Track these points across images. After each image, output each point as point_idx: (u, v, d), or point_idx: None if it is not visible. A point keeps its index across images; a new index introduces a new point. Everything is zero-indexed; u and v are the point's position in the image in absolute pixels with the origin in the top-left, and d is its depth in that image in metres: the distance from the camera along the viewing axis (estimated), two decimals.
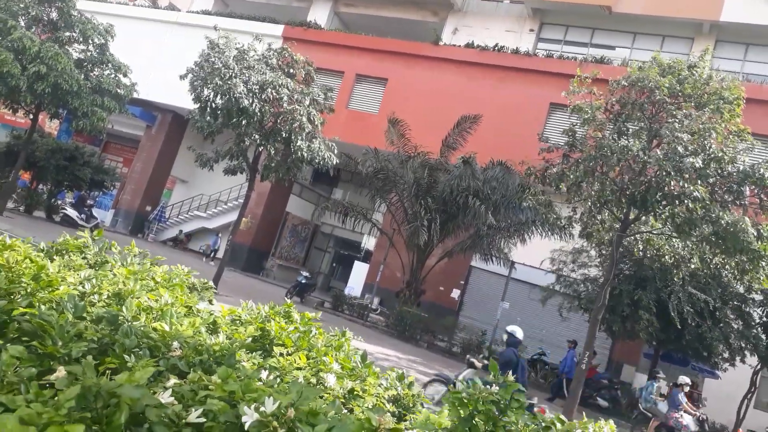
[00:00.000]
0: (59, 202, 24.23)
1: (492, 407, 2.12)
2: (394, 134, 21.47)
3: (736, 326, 16.28)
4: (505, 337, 8.94)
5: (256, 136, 15.39)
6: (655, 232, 14.63)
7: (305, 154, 15.41)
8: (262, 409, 1.68)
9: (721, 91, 12.76)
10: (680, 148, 11.67)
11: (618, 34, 25.85)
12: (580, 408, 13.51)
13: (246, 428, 1.66)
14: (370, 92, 27.43)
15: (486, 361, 9.65)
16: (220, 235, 29.09)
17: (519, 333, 8.84)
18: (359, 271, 26.45)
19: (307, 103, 15.58)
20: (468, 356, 11.00)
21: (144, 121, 31.07)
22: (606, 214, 14.11)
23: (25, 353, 1.96)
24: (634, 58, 22.00)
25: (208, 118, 15.30)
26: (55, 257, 3.61)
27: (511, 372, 3.08)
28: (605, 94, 14.15)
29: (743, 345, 16.19)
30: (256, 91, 14.59)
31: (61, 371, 1.61)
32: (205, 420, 1.73)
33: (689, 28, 24.49)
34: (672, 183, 11.58)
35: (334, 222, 26.23)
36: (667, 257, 16.07)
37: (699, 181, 11.70)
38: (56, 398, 1.51)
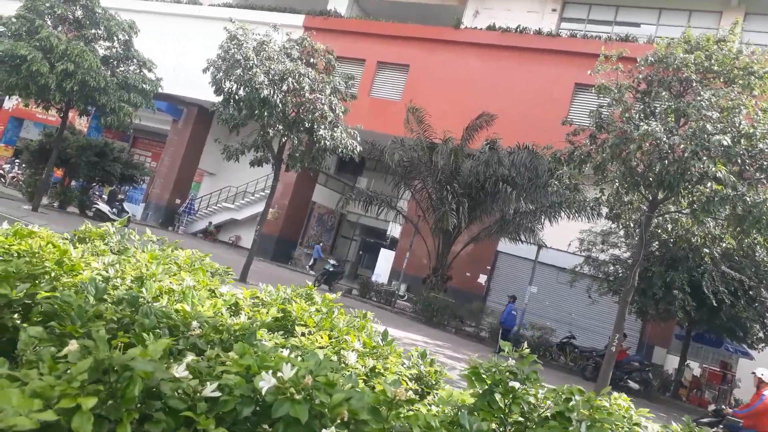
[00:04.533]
0: (96, 194, 24.75)
1: (510, 378, 2.09)
2: (414, 121, 21.37)
3: None
4: None
5: (280, 127, 15.47)
6: (684, 212, 14.34)
7: (328, 143, 15.44)
8: (279, 374, 1.68)
9: (750, 66, 12.38)
10: (709, 126, 11.37)
11: (643, 11, 25.23)
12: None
13: (263, 393, 1.66)
14: (392, 79, 27.30)
15: None
16: (321, 244, 29.39)
17: None
18: (385, 258, 26.48)
19: (329, 92, 15.58)
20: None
21: (170, 116, 31.44)
22: (634, 195, 13.86)
23: (44, 334, 1.98)
24: (660, 35, 21.51)
25: (232, 110, 15.42)
26: (78, 245, 3.67)
27: None
28: (632, 73, 13.86)
29: None
30: (277, 81, 14.63)
31: (73, 344, 1.62)
32: (220, 394, 1.73)
33: (717, 0, 23.79)
34: (698, 164, 11.30)
35: (359, 211, 26.27)
36: (698, 237, 15.75)
37: (727, 160, 11.40)
38: (69, 371, 1.52)
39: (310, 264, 28.56)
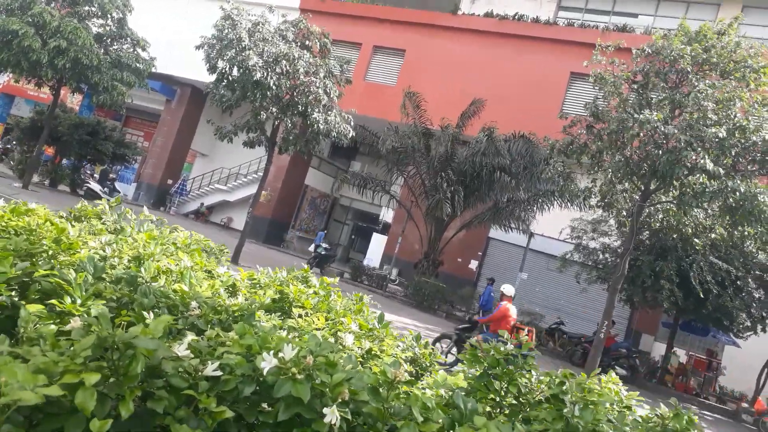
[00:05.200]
0: (87, 173, 24.57)
1: (506, 364, 2.12)
2: (411, 106, 21.29)
3: (757, 295, 16.14)
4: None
5: (273, 109, 15.38)
6: (674, 203, 14.47)
7: (322, 127, 15.38)
8: (281, 355, 1.70)
9: (747, 59, 12.42)
10: (710, 115, 11.41)
11: (641, 1, 25.17)
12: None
13: (264, 374, 1.68)
14: (388, 64, 27.16)
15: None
16: (326, 231, 28.96)
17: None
18: (378, 242, 26.53)
19: (323, 75, 15.49)
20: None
21: (164, 96, 31.17)
22: (626, 184, 13.95)
23: (44, 311, 1.99)
24: (657, 26, 21.48)
25: (225, 91, 15.32)
26: (74, 223, 3.66)
27: None
28: (628, 64, 13.87)
29: (765, 314, 16.05)
30: (271, 63, 14.53)
31: (76, 321, 1.63)
32: (222, 373, 1.75)
33: None
34: (692, 155, 11.37)
35: (352, 195, 26.25)
36: (688, 228, 15.89)
37: (721, 152, 11.48)
38: (72, 348, 1.53)
39: (311, 248, 28.49)
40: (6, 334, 1.81)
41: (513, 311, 10.35)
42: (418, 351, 3.05)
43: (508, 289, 10.62)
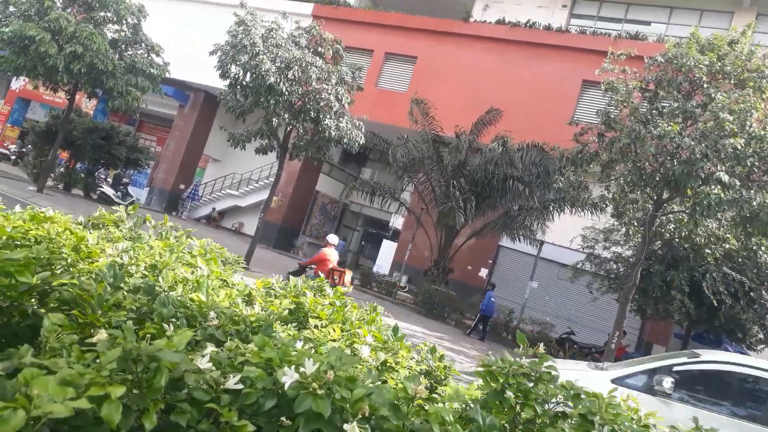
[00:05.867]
0: (101, 177, 24.80)
1: (523, 380, 2.12)
2: (419, 113, 21.30)
3: None
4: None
5: (286, 116, 15.45)
6: (687, 213, 14.37)
7: (333, 133, 15.43)
8: (302, 369, 1.71)
9: (762, 68, 12.34)
10: (727, 126, 11.33)
11: (654, 9, 25.10)
12: None
13: (286, 388, 1.69)
14: (400, 71, 27.22)
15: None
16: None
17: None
18: (387, 249, 26.53)
19: (335, 81, 15.54)
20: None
21: (177, 101, 31.40)
22: (639, 193, 13.88)
23: (66, 321, 2.01)
24: (670, 34, 21.40)
25: (238, 96, 15.41)
26: (91, 231, 3.69)
27: None
28: (640, 72, 13.82)
29: None
30: (283, 69, 14.60)
31: (102, 334, 1.65)
32: (243, 386, 1.76)
33: (728, 0, 23.65)
34: (707, 165, 11.29)
35: (362, 201, 26.27)
36: (700, 237, 15.76)
37: (737, 162, 11.39)
38: (97, 361, 1.55)
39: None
40: (27, 342, 1.84)
41: (332, 256, 11.82)
42: (433, 364, 3.05)
43: (332, 237, 12.34)
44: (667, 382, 6.42)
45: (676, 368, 6.70)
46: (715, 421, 5.77)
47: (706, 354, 7.14)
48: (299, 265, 12.66)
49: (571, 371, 6.47)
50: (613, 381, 6.50)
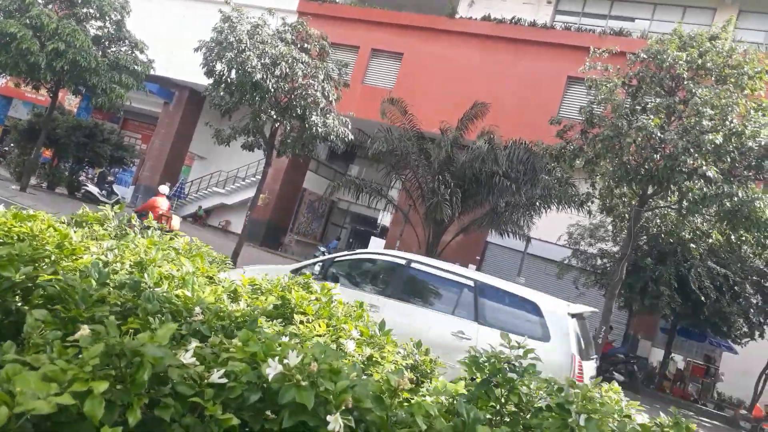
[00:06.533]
0: (86, 176, 24.57)
1: (508, 372, 2.14)
2: (397, 112, 21.19)
3: (755, 301, 16.17)
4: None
5: (272, 112, 15.39)
6: (673, 207, 14.50)
7: (320, 130, 15.39)
8: (285, 361, 1.71)
9: (743, 65, 12.47)
10: (706, 122, 11.46)
11: (637, 5, 25.27)
12: None
13: (269, 380, 1.69)
14: (386, 67, 27.20)
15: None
16: (340, 239, 29.05)
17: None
18: (376, 246, 26.53)
19: (321, 77, 15.51)
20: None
21: (161, 98, 31.15)
22: (624, 189, 13.99)
23: (49, 317, 2.00)
24: (654, 30, 21.56)
25: (223, 93, 15.31)
26: (76, 229, 3.67)
27: None
28: (623, 69, 13.92)
29: (762, 320, 16.09)
30: (269, 65, 14.54)
31: (84, 329, 1.65)
32: (227, 381, 1.76)
33: None
34: (689, 160, 11.42)
35: (350, 198, 26.20)
36: (685, 232, 15.93)
37: (717, 158, 11.53)
38: (80, 356, 1.55)
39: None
40: (10, 339, 1.83)
41: (162, 203, 14.20)
42: (419, 358, 3.06)
43: (162, 188, 15.20)
44: (330, 271, 8.24)
45: (337, 259, 8.61)
46: (365, 297, 6.97)
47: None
48: (134, 212, 13.69)
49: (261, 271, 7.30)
50: (292, 272, 7.63)
